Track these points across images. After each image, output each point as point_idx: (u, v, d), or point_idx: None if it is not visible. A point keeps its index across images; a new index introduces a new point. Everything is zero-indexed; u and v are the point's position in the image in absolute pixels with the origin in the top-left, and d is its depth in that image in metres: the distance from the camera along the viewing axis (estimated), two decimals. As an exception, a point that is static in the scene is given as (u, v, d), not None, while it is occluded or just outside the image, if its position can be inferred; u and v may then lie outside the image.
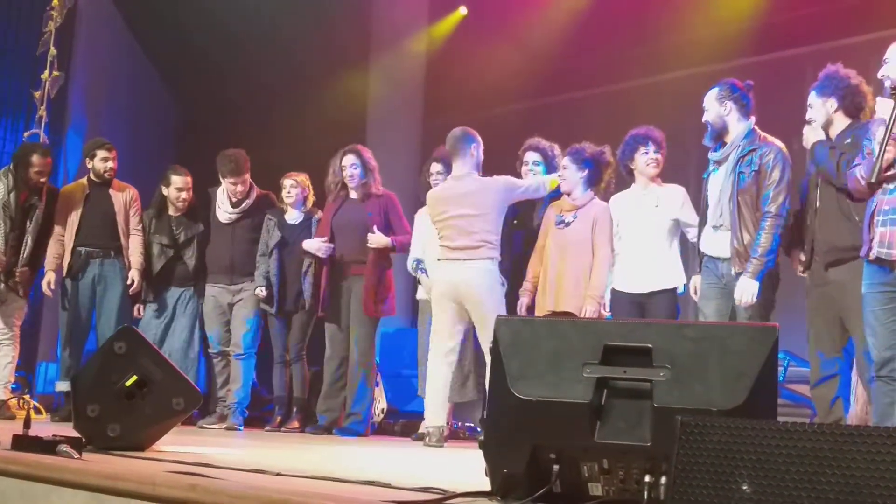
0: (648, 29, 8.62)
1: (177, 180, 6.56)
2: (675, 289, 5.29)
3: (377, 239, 6.15)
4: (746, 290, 4.47)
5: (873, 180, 3.58)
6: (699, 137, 5.42)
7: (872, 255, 3.70)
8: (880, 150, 3.55)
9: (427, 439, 5.26)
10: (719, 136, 4.73)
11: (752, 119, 4.72)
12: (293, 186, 6.61)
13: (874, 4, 7.41)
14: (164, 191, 6.60)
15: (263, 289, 6.41)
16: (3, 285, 6.25)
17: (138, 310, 6.52)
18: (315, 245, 6.30)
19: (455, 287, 5.32)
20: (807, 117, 4.40)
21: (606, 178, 5.55)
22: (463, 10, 10.16)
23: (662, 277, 5.25)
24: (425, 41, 10.29)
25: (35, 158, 6.31)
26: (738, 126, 4.68)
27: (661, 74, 8.68)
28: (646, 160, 5.29)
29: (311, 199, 6.71)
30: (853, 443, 1.77)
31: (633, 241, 5.34)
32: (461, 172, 5.47)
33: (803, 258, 4.43)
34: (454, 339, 5.39)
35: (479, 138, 5.51)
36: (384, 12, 10.35)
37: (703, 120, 4.78)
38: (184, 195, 6.55)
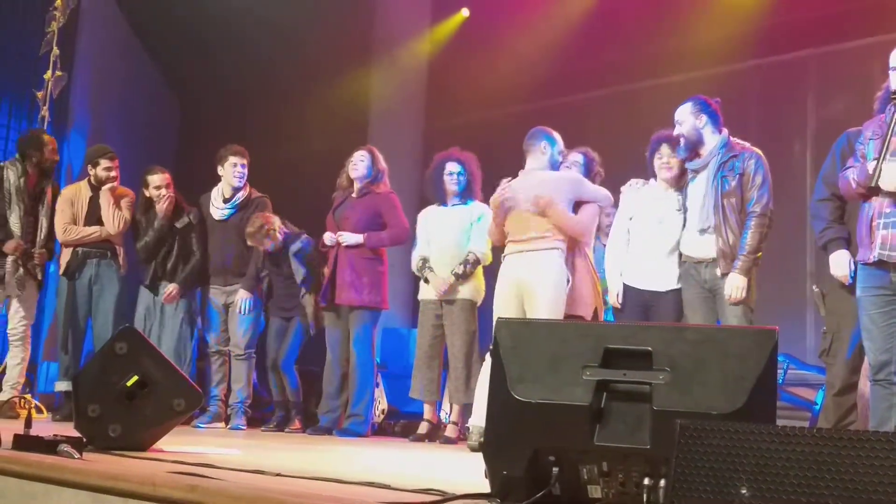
0: (652, 31, 8.62)
1: (153, 179, 6.57)
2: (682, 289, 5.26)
3: (347, 237, 6.16)
4: (737, 286, 4.64)
5: (873, 184, 3.58)
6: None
7: (873, 258, 3.70)
8: (881, 155, 3.56)
9: (469, 438, 5.24)
10: (694, 147, 4.89)
11: (726, 131, 4.91)
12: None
13: (879, 7, 7.41)
14: (146, 192, 6.60)
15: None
16: (21, 269, 6.28)
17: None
18: (327, 236, 6.32)
19: (517, 281, 5.25)
20: None
21: None
22: (465, 12, 10.17)
23: (673, 278, 5.21)
24: (428, 42, 10.30)
25: (46, 137, 6.50)
26: (712, 138, 4.87)
27: (665, 77, 8.67)
28: (659, 164, 5.28)
29: None
30: (852, 447, 1.78)
31: (647, 239, 5.27)
32: (532, 167, 5.47)
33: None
34: None
35: (556, 137, 5.47)
36: (387, 13, 10.36)
37: (676, 133, 4.94)
38: (163, 192, 6.54)
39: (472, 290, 6.13)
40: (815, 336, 7.60)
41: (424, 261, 6.18)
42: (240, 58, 9.65)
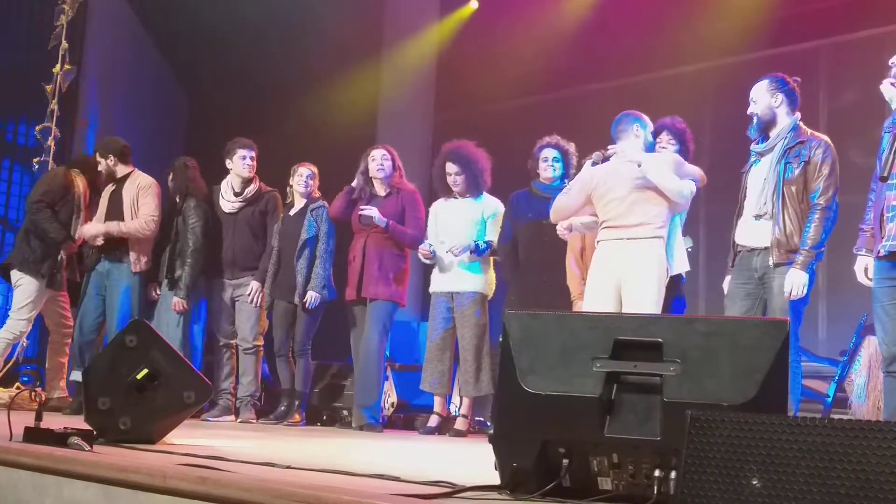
0: (662, 22, 8.58)
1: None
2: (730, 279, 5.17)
3: (369, 210, 6.12)
4: (797, 282, 4.30)
5: (885, 174, 3.57)
6: (714, 130, 5.33)
7: (883, 252, 3.69)
8: (891, 147, 3.55)
9: None
10: (766, 128, 4.59)
11: (798, 115, 4.61)
12: (311, 177, 6.60)
13: (888, -3, 7.37)
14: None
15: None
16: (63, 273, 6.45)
17: (154, 289, 6.53)
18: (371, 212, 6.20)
19: (618, 272, 4.91)
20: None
21: None
22: (474, 4, 10.16)
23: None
24: (436, 35, 10.29)
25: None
26: (785, 119, 4.56)
27: (674, 68, 8.65)
28: (658, 149, 5.32)
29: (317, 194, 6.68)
30: (864, 438, 1.77)
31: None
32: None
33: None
34: None
35: (647, 119, 5.19)
36: (395, 7, 10.36)
37: (750, 112, 4.62)
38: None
39: (482, 283, 6.12)
40: (827, 328, 7.59)
41: (430, 245, 6.16)
42: (248, 51, 9.66)
